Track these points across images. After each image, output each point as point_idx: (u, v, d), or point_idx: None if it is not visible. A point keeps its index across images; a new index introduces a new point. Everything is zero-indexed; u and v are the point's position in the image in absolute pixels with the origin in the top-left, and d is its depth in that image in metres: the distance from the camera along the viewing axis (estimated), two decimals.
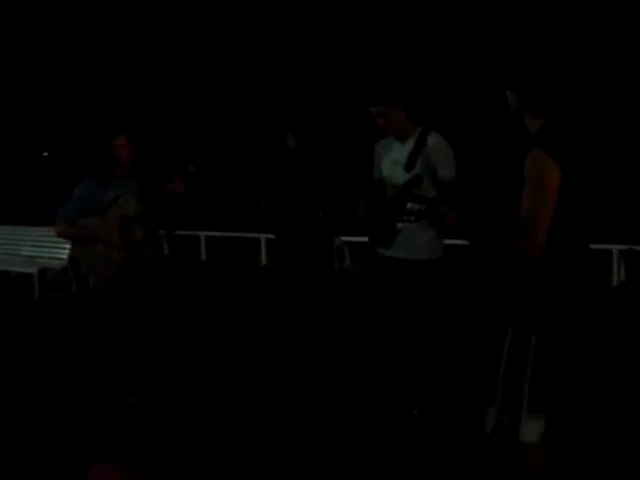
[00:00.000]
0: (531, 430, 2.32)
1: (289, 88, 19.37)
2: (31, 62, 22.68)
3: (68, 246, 7.88)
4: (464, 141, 6.67)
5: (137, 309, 3.88)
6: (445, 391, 3.79)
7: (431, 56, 17.95)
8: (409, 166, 3.47)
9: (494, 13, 17.18)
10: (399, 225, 3.35)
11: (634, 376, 4.24)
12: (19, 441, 3.60)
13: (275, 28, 20.14)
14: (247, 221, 8.61)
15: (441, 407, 3.70)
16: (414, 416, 3.66)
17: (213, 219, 11.53)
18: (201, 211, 3.89)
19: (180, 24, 21.13)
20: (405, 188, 3.39)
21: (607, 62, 16.06)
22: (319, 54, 19.74)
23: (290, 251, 4.51)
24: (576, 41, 14.36)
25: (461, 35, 17.89)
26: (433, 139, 3.49)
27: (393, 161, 3.59)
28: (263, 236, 9.91)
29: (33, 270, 7.90)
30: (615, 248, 7.74)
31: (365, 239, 3.99)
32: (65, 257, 7.98)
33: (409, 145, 3.53)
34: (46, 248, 8.34)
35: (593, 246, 2.44)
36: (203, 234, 11.05)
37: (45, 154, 26.38)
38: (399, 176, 3.51)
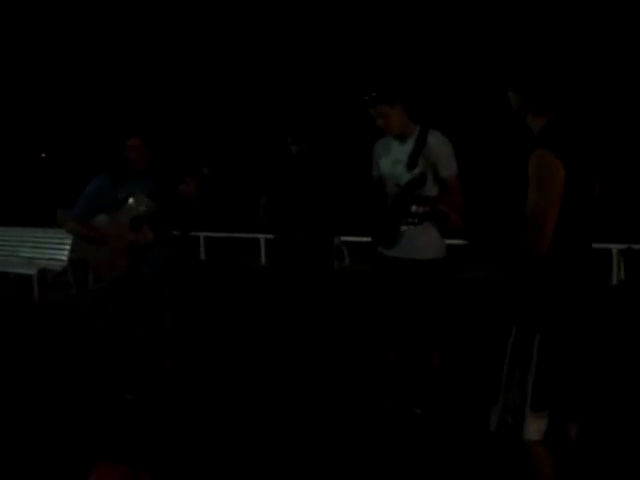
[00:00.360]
0: (535, 428, 2.32)
1: (291, 92, 19.47)
2: (30, 64, 22.70)
3: (68, 247, 7.90)
4: (467, 141, 6.68)
5: (142, 310, 3.88)
6: (447, 390, 3.80)
7: (432, 55, 17.98)
8: (411, 165, 3.46)
9: (496, 11, 17.21)
10: (403, 228, 3.35)
11: (634, 376, 4.24)
12: (20, 441, 3.59)
13: (276, 37, 20.56)
14: (247, 221, 8.62)
15: (443, 405, 3.70)
16: (416, 414, 3.66)
17: (213, 219, 11.53)
18: (201, 211, 3.89)
19: (195, 32, 21.43)
20: (409, 188, 3.39)
21: (608, 61, 16.09)
22: (319, 54, 19.80)
23: (290, 251, 4.51)
24: (578, 39, 14.39)
25: (463, 34, 17.92)
26: (433, 137, 3.49)
27: (394, 160, 3.57)
28: (262, 236, 9.92)
29: (32, 271, 7.88)
30: (614, 247, 7.76)
31: (365, 239, 4.00)
32: (65, 258, 7.99)
33: (409, 144, 3.52)
34: (45, 249, 8.34)
35: (593, 245, 2.45)
36: (202, 234, 11.05)
37: (43, 155, 26.38)
38: (401, 175, 3.50)
